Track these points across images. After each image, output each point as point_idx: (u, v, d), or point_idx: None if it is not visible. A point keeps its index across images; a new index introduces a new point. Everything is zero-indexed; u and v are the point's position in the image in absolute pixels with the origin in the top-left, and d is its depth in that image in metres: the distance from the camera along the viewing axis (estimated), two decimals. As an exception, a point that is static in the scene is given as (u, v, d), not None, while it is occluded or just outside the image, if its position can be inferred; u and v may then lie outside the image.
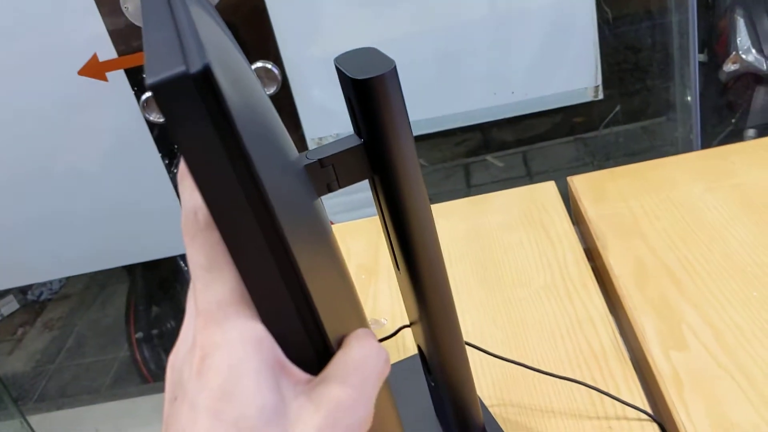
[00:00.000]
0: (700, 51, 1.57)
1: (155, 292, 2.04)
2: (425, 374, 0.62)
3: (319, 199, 0.52)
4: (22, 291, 2.64)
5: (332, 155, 0.50)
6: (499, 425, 0.62)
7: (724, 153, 0.92)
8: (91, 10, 1.17)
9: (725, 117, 1.85)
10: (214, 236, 0.22)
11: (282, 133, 0.43)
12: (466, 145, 2.74)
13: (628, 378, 0.64)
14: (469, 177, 2.60)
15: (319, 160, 0.50)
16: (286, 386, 0.22)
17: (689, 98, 1.60)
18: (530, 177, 2.54)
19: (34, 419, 1.99)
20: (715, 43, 1.89)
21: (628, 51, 2.15)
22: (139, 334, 2.02)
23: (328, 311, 0.24)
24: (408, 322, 0.75)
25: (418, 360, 0.70)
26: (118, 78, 1.24)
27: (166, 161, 1.36)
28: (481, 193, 0.98)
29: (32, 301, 2.64)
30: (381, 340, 0.73)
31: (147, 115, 1.27)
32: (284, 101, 1.29)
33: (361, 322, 0.41)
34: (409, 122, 0.48)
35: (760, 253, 0.73)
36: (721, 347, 0.64)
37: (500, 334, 0.72)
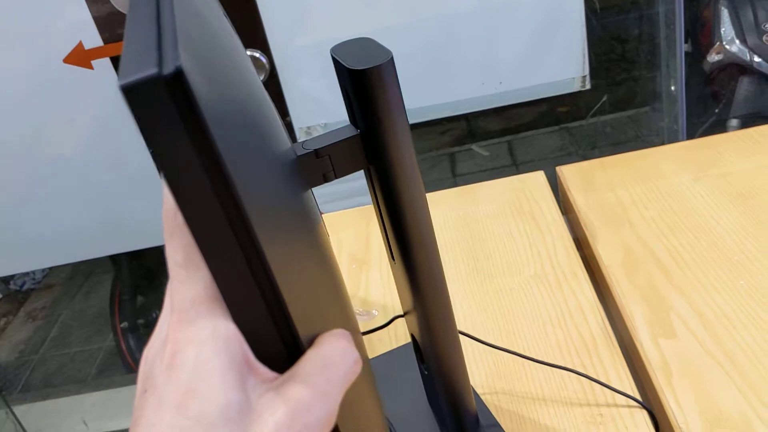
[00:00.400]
0: (684, 41, 1.58)
1: (141, 281, 2.03)
2: (418, 363, 0.62)
3: (309, 191, 0.52)
4: (4, 281, 2.62)
5: (329, 145, 0.50)
6: (491, 413, 0.62)
7: (712, 143, 0.93)
8: (77, -3, 1.16)
9: (709, 107, 1.87)
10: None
11: (273, 123, 0.42)
12: (452, 135, 2.75)
13: (618, 366, 0.65)
14: (454, 166, 2.61)
15: (315, 150, 0.50)
16: (252, 385, 0.22)
17: (674, 88, 1.61)
18: (516, 166, 2.55)
19: (20, 409, 1.98)
20: (699, 33, 1.90)
21: (615, 41, 2.17)
22: (125, 324, 2.01)
23: (300, 310, 0.24)
24: (401, 312, 0.76)
25: (411, 349, 0.70)
26: (104, 66, 1.22)
27: (152, 150, 1.35)
28: (466, 182, 0.98)
29: (15, 291, 2.62)
30: (373, 330, 0.73)
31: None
32: (272, 90, 1.29)
33: (345, 317, 0.40)
34: (405, 113, 0.48)
35: (746, 242, 0.75)
36: (709, 335, 0.65)
37: (491, 323, 0.73)
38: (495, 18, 1.19)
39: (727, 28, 1.78)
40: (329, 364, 0.24)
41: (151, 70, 0.17)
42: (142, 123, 0.18)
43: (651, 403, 0.62)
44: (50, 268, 2.64)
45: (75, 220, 1.42)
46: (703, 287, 0.70)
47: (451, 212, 0.92)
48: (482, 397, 0.65)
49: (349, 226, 0.94)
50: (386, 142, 0.49)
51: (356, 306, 0.79)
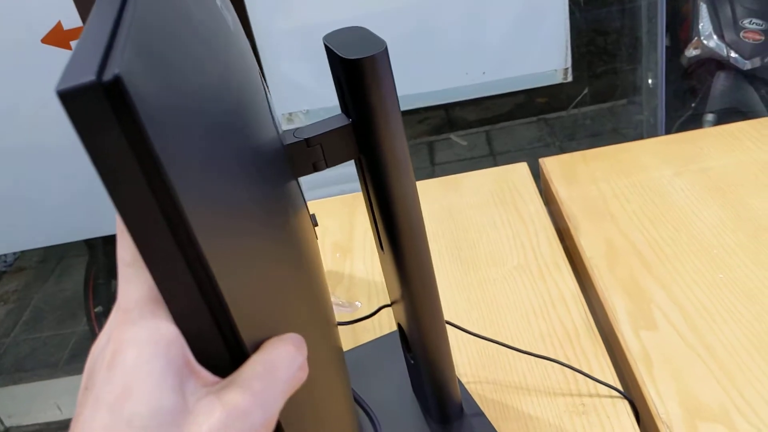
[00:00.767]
0: (652, 35, 1.60)
1: (116, 265, 2.01)
2: (404, 352, 0.62)
3: (294, 181, 0.51)
4: (-26, 263, 2.57)
5: (320, 134, 0.50)
6: (475, 402, 0.63)
7: (692, 138, 0.94)
8: (56, -24, 1.14)
9: (686, 101, 1.89)
10: None
11: (259, 114, 0.41)
12: (429, 123, 2.75)
13: (600, 356, 0.65)
14: (433, 155, 2.61)
15: (306, 139, 0.50)
16: (192, 388, 0.22)
17: (651, 81, 1.63)
18: (493, 156, 2.57)
19: (-9, 393, 1.96)
20: (678, 28, 1.92)
21: (595, 33, 2.18)
22: (99, 308, 1.99)
23: (246, 313, 0.24)
24: (385, 302, 0.76)
25: (395, 337, 0.71)
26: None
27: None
28: (445, 171, 0.99)
29: (-14, 274, 2.58)
30: (360, 320, 0.73)
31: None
32: (254, 75, 1.28)
33: (315, 313, 0.40)
34: (398, 103, 0.48)
35: (725, 236, 0.76)
36: (689, 327, 0.66)
37: (475, 313, 0.73)
38: (480, 8, 1.19)
39: (705, 24, 1.80)
40: (272, 370, 0.24)
41: (89, 77, 0.17)
42: (79, 129, 0.18)
43: (632, 394, 0.63)
44: (22, 251, 2.60)
45: (50, 204, 1.40)
46: (683, 280, 0.71)
47: (435, 202, 0.93)
48: (466, 386, 0.65)
49: (333, 214, 0.94)
50: (379, 132, 0.48)
51: (339, 296, 0.79)
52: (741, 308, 0.67)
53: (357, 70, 0.46)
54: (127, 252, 0.24)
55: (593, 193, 0.87)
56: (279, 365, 0.25)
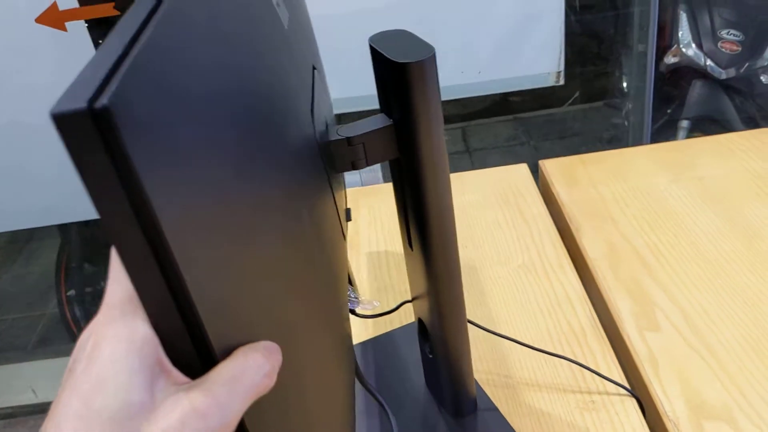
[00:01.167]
0: (642, 41, 1.64)
1: (91, 249, 1.98)
2: (421, 346, 0.64)
3: (324, 177, 0.52)
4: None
5: (363, 134, 0.51)
6: (489, 397, 0.65)
7: (686, 146, 0.97)
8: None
9: (662, 107, 1.94)
10: None
11: (282, 113, 0.41)
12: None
13: (606, 355, 0.68)
14: (409, 149, 2.62)
15: (348, 137, 0.51)
16: (162, 386, 0.24)
17: (626, 85, 1.67)
18: (469, 153, 2.59)
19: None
20: (658, 35, 1.97)
21: (583, 37, 2.22)
22: (72, 292, 1.96)
23: (219, 321, 0.25)
24: (392, 296, 0.78)
25: (409, 330, 0.72)
26: (79, 29, 1.19)
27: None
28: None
29: (-50, 254, 2.51)
30: (383, 314, 0.75)
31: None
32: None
33: (313, 313, 0.40)
34: (441, 107, 0.50)
35: (721, 242, 0.79)
36: (690, 329, 0.69)
37: (484, 310, 0.75)
38: (477, 8, 1.21)
39: (684, 32, 1.85)
40: (237, 377, 0.25)
41: (80, 104, 0.18)
42: (69, 149, 0.19)
43: (638, 392, 0.66)
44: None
45: (23, 186, 1.38)
46: (684, 284, 0.74)
47: (437, 199, 0.94)
48: (479, 382, 0.67)
49: (335, 207, 0.95)
50: (421, 134, 0.50)
51: (362, 295, 0.80)
52: (740, 312, 0.70)
53: (406, 73, 0.47)
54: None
55: (593, 196, 0.89)
56: (245, 372, 0.26)
